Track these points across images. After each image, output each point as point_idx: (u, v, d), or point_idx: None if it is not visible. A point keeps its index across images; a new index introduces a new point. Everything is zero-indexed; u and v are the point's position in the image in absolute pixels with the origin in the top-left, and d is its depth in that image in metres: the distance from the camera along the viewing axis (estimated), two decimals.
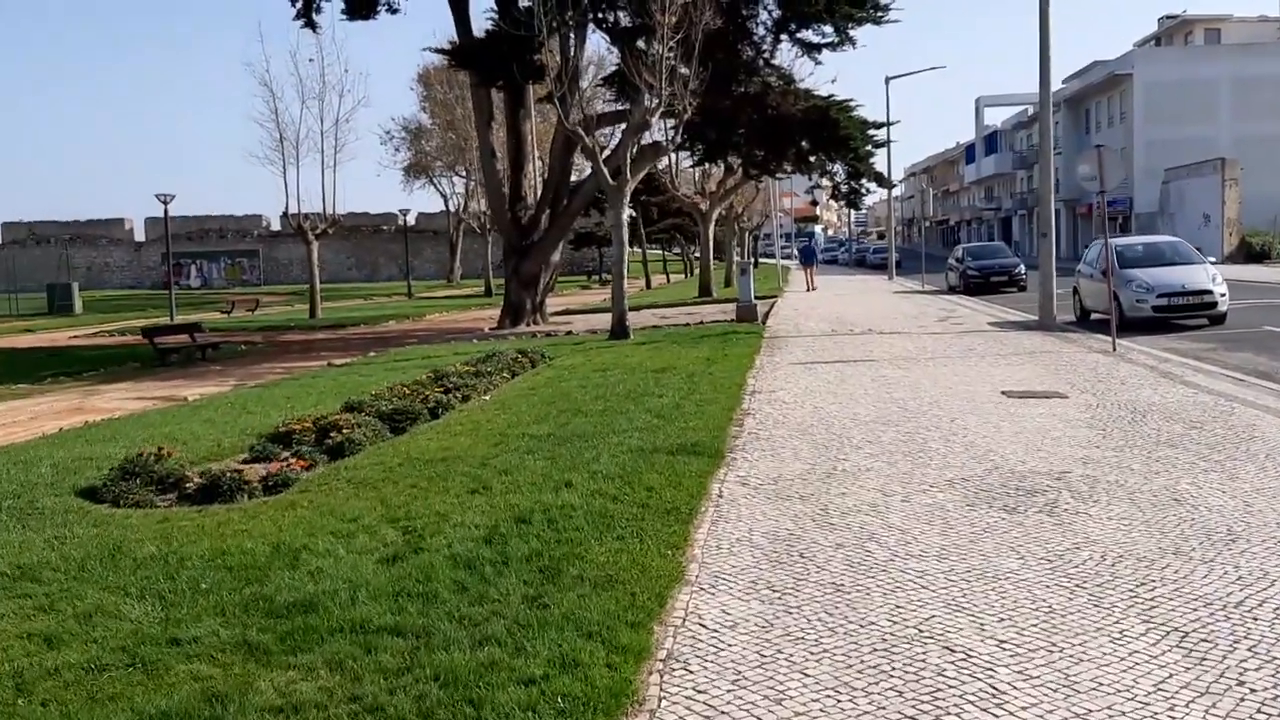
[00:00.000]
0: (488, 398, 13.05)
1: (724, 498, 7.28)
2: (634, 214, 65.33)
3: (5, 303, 51.33)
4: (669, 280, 67.67)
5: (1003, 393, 12.05)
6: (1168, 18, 67.33)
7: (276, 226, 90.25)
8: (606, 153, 28.80)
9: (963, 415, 10.54)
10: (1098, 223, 63.94)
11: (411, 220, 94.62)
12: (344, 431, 10.22)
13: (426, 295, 58.98)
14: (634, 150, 20.37)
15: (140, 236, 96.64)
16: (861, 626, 4.87)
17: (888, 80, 49.60)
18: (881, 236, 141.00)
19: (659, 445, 8.75)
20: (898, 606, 5.13)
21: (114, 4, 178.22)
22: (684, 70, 21.76)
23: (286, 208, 37.36)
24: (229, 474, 8.29)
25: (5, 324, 40.03)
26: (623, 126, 24.88)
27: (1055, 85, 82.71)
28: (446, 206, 71.69)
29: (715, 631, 4.81)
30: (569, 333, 23.98)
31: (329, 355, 23.32)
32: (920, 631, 4.81)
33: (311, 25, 30.68)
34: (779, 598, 5.28)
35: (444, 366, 15.45)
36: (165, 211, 40.02)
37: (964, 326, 21.63)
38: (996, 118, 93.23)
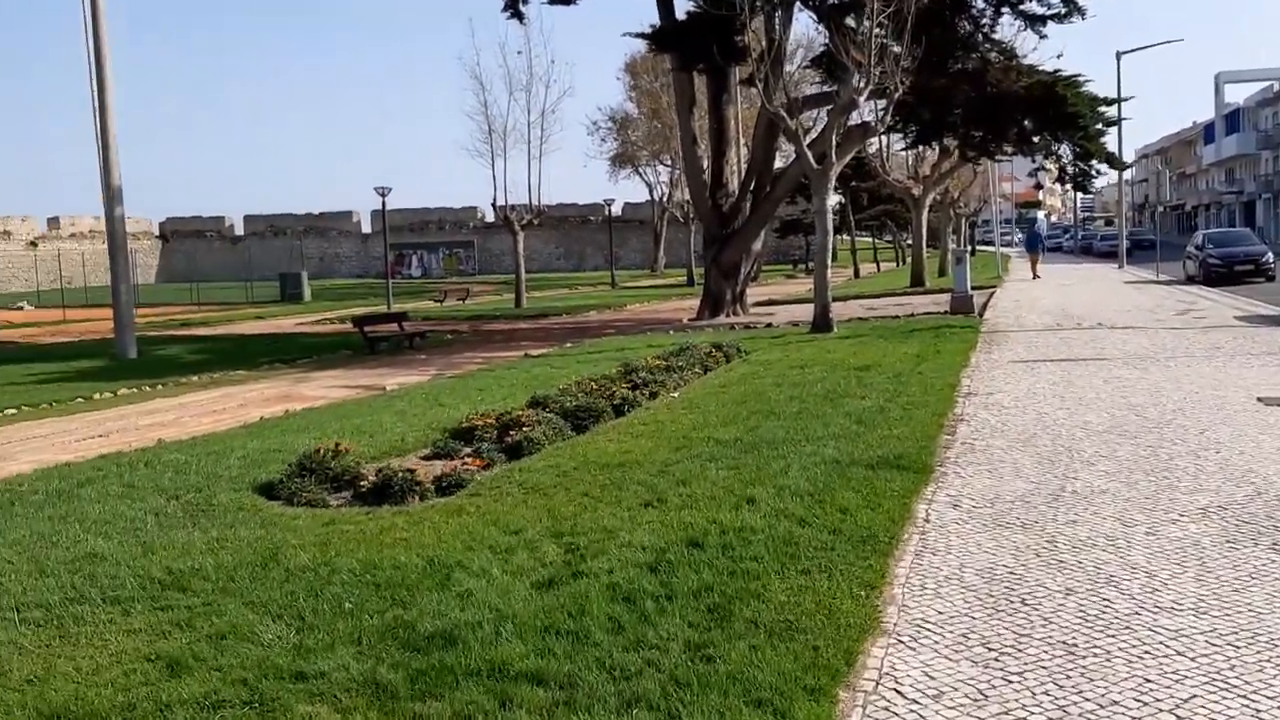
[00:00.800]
0: (676, 395, 12.41)
1: (931, 523, 6.35)
2: (841, 201, 63.63)
3: (242, 291, 54.66)
4: (879, 269, 65.52)
5: (1259, 399, 10.47)
6: None
7: (490, 218, 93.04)
8: (812, 136, 27.78)
9: (1213, 426, 9.14)
10: None
11: (618, 210, 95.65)
12: (524, 429, 9.81)
13: (630, 285, 59.22)
14: (840, 132, 19.27)
15: (366, 229, 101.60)
16: (1101, 707, 3.92)
17: (1119, 55, 46.12)
18: (1109, 223, 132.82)
19: (857, 457, 7.86)
20: (1147, 680, 4.14)
21: (346, 12, 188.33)
22: (895, 48, 20.50)
23: (495, 199, 38.02)
24: (402, 473, 7.94)
25: (239, 311, 42.50)
26: (829, 110, 23.77)
27: None
28: (651, 196, 71.72)
29: (915, 703, 3.96)
30: (768, 325, 23.13)
31: (528, 345, 23.30)
32: None
33: (519, 16, 30.91)
34: (996, 659, 4.36)
35: (635, 360, 14.94)
36: (383, 204, 41.47)
37: (1207, 321, 19.49)
38: (1238, 95, 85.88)
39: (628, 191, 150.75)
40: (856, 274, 58.22)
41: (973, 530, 6.20)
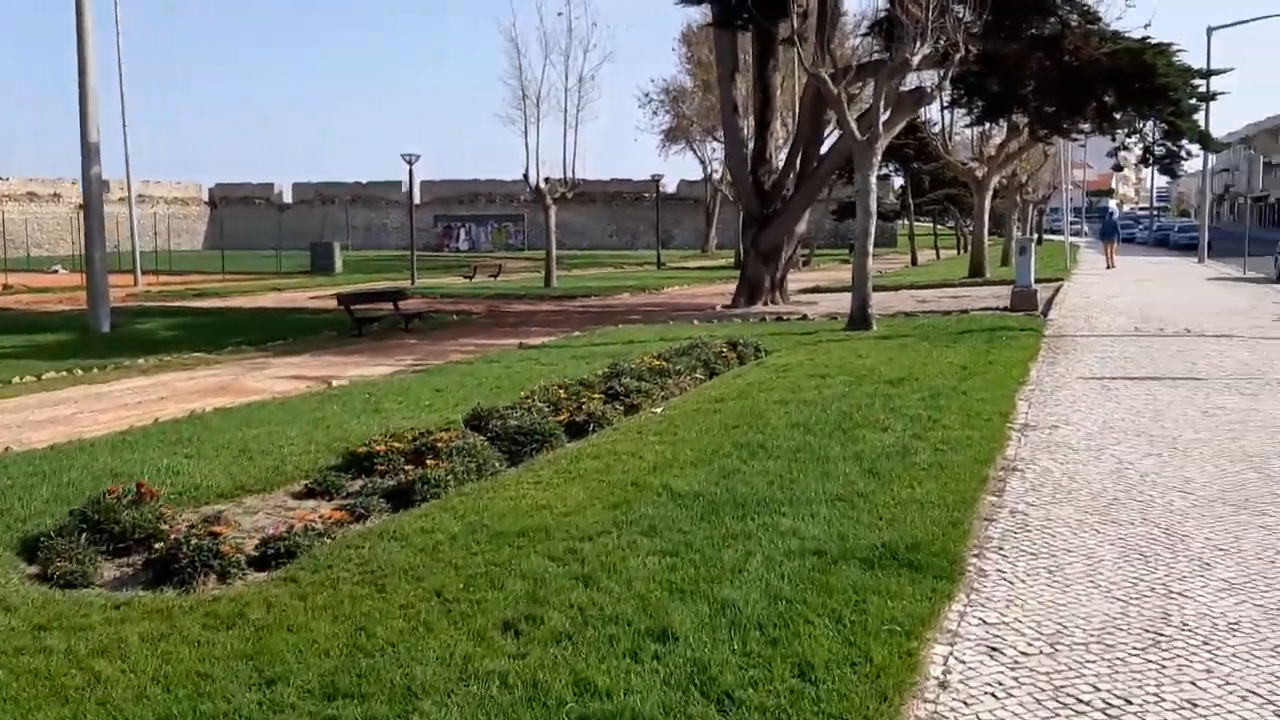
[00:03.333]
0: (659, 410, 9.97)
1: (950, 689, 3.86)
2: (899, 184, 60.39)
3: (272, 261, 52.99)
4: (938, 256, 62.16)
5: None
6: None
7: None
8: (863, 108, 24.98)
9: None
10: None
11: (672, 187, 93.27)
12: (435, 461, 7.46)
13: (678, 265, 56.62)
14: (890, 100, 16.56)
15: (416, 199, 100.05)
16: None
17: (1210, 31, 42.39)
18: (1184, 214, 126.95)
19: (853, 542, 5.36)
20: None
21: None
22: (958, 7, 17.76)
23: (526, 170, 35.64)
24: (202, 539, 5.61)
25: (262, 282, 40.65)
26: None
27: None
28: (704, 173, 68.90)
29: None
30: (804, 317, 20.51)
31: (536, 331, 21.03)
32: None
33: None
34: None
35: (632, 359, 12.54)
36: (410, 173, 39.46)
37: None
38: None
39: (681, 169, 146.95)
40: (914, 261, 55.05)
41: (1022, 707, 3.70)
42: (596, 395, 10.20)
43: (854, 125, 16.94)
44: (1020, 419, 9.15)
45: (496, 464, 7.77)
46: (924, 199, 61.31)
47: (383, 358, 16.63)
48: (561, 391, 10.26)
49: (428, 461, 7.58)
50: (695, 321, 20.54)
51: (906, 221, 59.54)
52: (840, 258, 62.13)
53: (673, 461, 7.49)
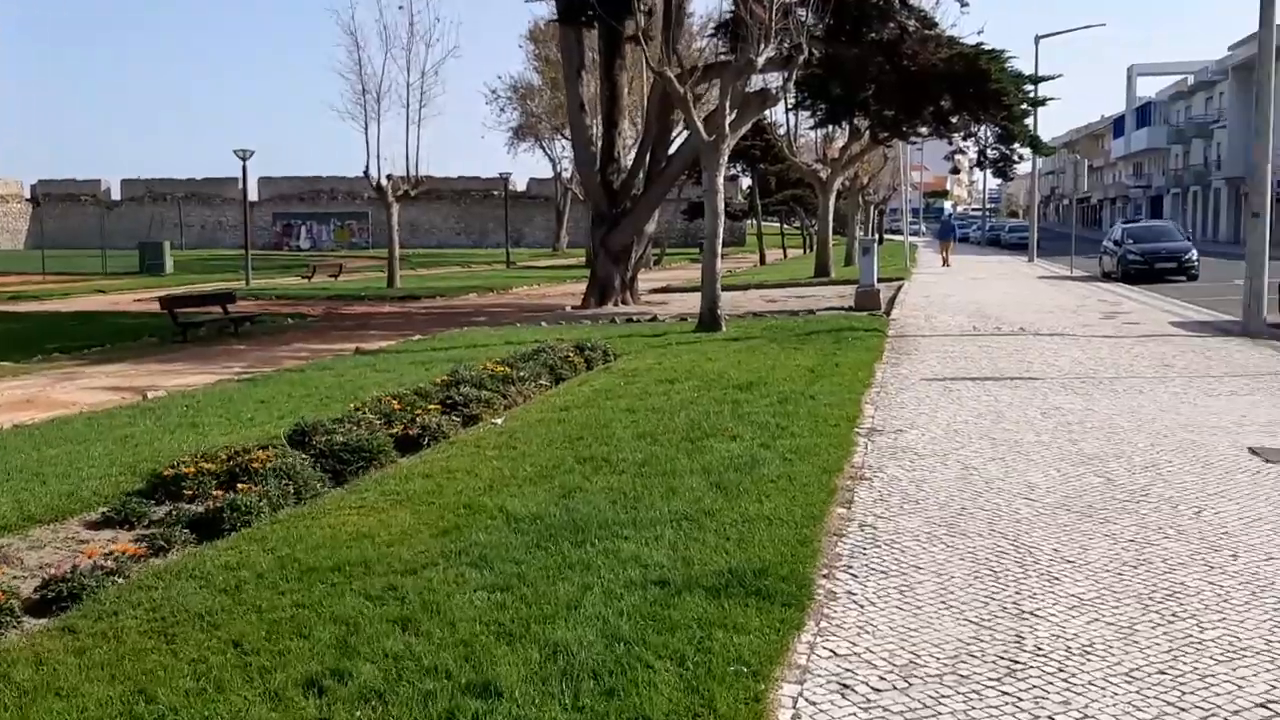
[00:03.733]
0: (499, 421, 9.51)
1: None
2: (747, 184, 61.20)
3: (97, 260, 50.03)
4: (785, 256, 63.26)
5: (1252, 450, 7.96)
6: None
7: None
8: (710, 109, 24.97)
9: (1211, 502, 6.55)
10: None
11: (522, 186, 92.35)
12: (239, 489, 6.80)
13: (528, 265, 55.99)
14: (735, 99, 16.45)
15: (254, 196, 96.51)
16: None
17: (1037, 39, 44.33)
18: (1013, 215, 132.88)
19: (697, 571, 5.01)
20: None
21: None
22: (800, 10, 17.80)
23: (367, 167, 34.44)
24: None
25: (79, 283, 38.17)
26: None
27: (1220, 53, 74.77)
28: (554, 171, 68.38)
29: None
30: (654, 318, 20.31)
31: (378, 334, 20.24)
32: None
33: None
34: None
35: (473, 364, 12.01)
36: (243, 169, 37.76)
37: (1141, 328, 17.23)
38: (1149, 89, 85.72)
39: (532, 167, 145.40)
40: (762, 260, 55.88)
41: None
42: (433, 406, 9.67)
43: (700, 125, 16.77)
44: (867, 423, 9.04)
45: (318, 486, 7.18)
46: (771, 199, 62.36)
47: (208, 365, 15.62)
48: (395, 402, 9.67)
49: (239, 485, 6.94)
50: (543, 323, 20.09)
51: (755, 221, 60.39)
52: (691, 257, 62.52)
53: (510, 479, 7.05)
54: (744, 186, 66.06)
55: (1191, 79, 74.84)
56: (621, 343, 15.65)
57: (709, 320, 16.73)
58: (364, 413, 9.19)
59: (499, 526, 5.86)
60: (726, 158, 16.81)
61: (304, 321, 23.76)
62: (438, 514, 6.17)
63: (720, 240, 16.84)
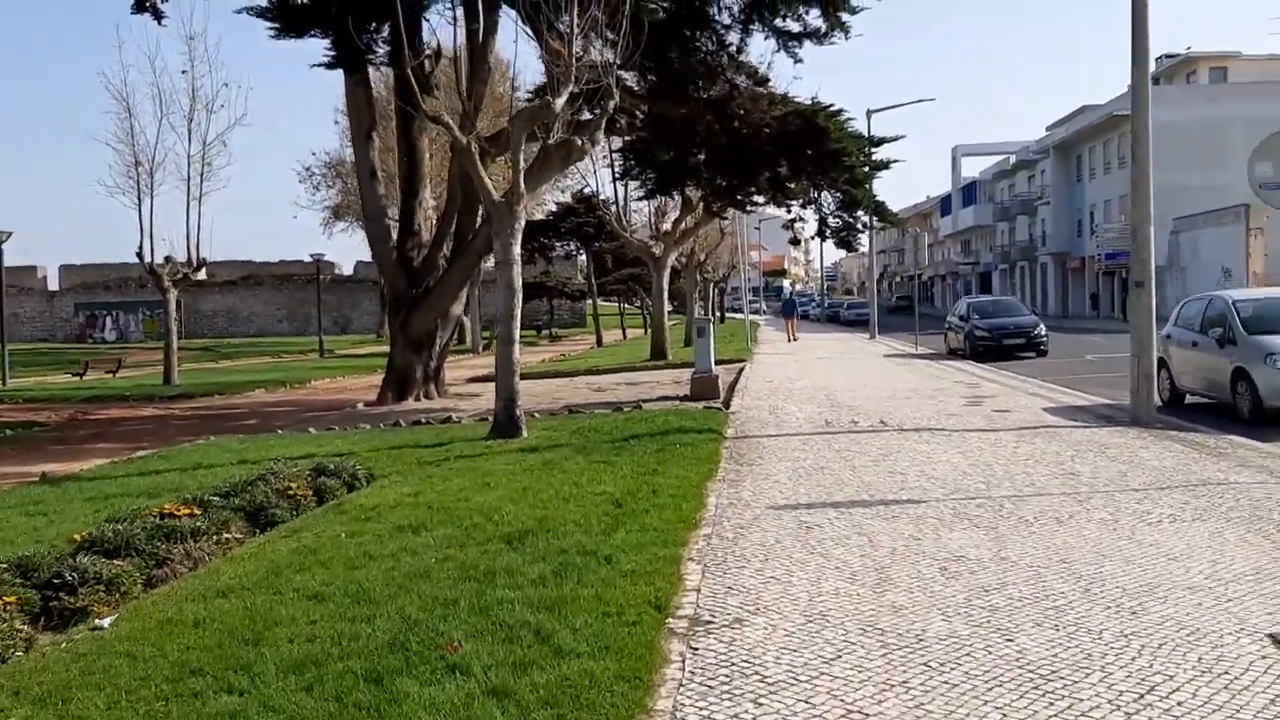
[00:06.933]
0: (107, 624, 5.93)
1: None
2: (584, 266, 58.52)
3: None
4: (625, 336, 60.68)
5: (1276, 641, 5.09)
6: (1168, 56, 61.78)
7: (201, 275, 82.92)
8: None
9: None
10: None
11: (348, 269, 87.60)
12: None
13: (348, 353, 51.68)
14: (523, 146, 13.33)
15: (54, 285, 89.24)
16: None
17: (869, 113, 43.26)
18: (848, 293, 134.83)
19: None
20: None
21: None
22: (608, 52, 15.00)
23: (140, 248, 30.07)
24: None
25: None
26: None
27: (1038, 133, 76.99)
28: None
29: None
30: (448, 418, 16.83)
31: (109, 446, 16.31)
32: None
33: (156, 14, 23.57)
34: None
35: (158, 503, 8.42)
36: None
37: (1014, 417, 14.74)
38: (974, 168, 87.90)
39: (355, 248, 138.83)
40: (599, 342, 53.10)
41: None
42: (29, 593, 6.07)
43: (489, 183, 13.60)
44: (687, 607, 5.80)
45: None
46: (608, 278, 59.89)
47: None
48: None
49: None
50: (311, 430, 16.35)
51: (592, 301, 57.73)
52: (525, 339, 59.33)
53: None
54: (583, 265, 63.54)
55: (1013, 158, 76.62)
56: (389, 457, 12.18)
57: (504, 424, 13.38)
58: None
59: None
60: (523, 222, 13.65)
61: (29, 431, 19.34)
62: None
63: (517, 323, 13.59)
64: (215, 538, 7.99)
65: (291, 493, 9.37)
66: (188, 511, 8.46)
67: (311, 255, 50.93)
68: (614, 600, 5.68)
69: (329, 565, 6.85)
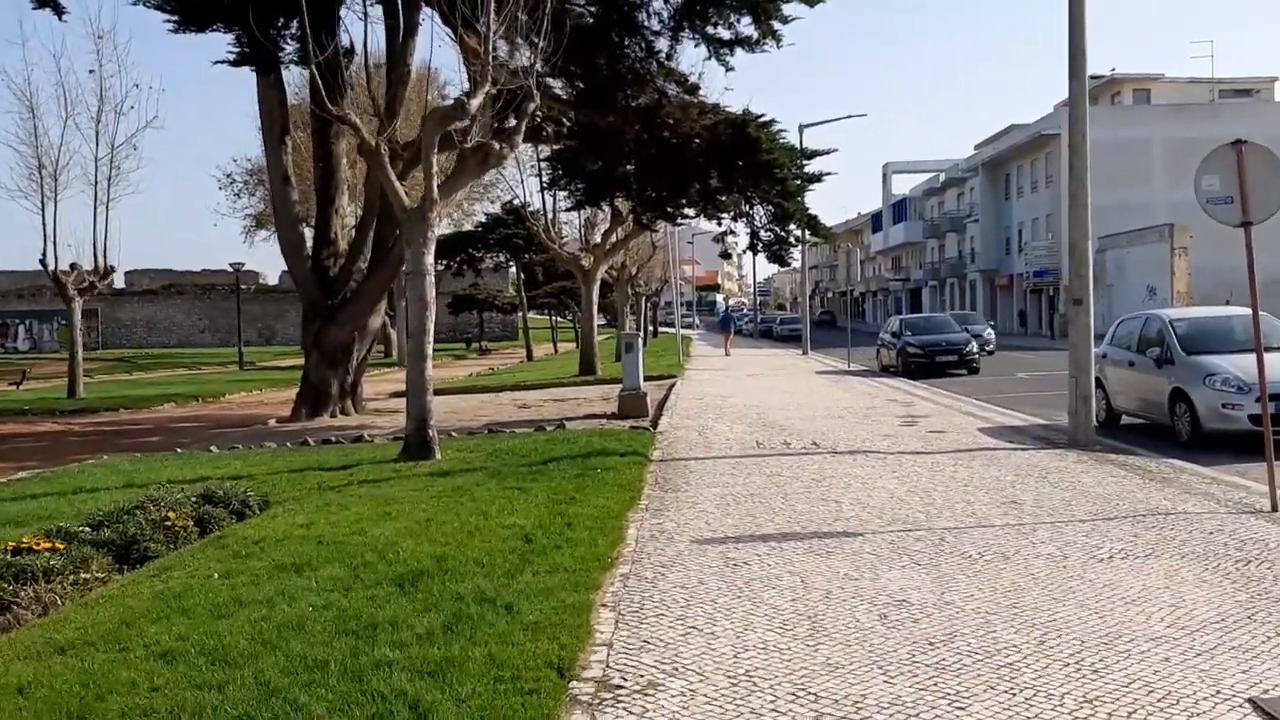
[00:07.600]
0: None
1: None
2: (515, 278, 57.52)
3: None
4: (556, 350, 59.84)
5: (1255, 706, 4.50)
6: (1093, 77, 62.64)
7: (120, 284, 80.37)
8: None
9: None
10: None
11: (274, 278, 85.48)
12: None
13: (271, 365, 50.10)
14: (436, 150, 12.54)
15: None
16: None
17: (802, 128, 43.00)
18: (780, 308, 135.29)
19: None
20: None
21: None
22: (526, 51, 14.28)
23: (44, 255, 28.58)
24: None
25: None
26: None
27: (967, 151, 77.34)
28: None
29: None
30: (359, 438, 15.91)
31: None
32: None
33: (56, 9, 22.30)
34: None
35: (20, 537, 7.48)
36: None
37: (949, 438, 14.27)
38: (904, 185, 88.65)
39: (282, 259, 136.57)
40: (529, 356, 52.18)
41: None
42: None
43: (400, 188, 12.78)
44: (595, 667, 5.07)
45: None
46: (539, 291, 58.92)
47: None
48: None
49: None
50: (214, 449, 15.32)
51: (523, 314, 56.78)
52: (455, 353, 58.17)
53: None
54: (514, 277, 62.55)
55: (943, 176, 77.35)
56: (288, 481, 11.29)
57: (416, 446, 12.54)
58: None
59: None
60: (436, 231, 12.85)
61: None
62: None
63: (429, 338, 12.75)
64: (73, 578, 7.11)
65: (170, 524, 8.48)
66: (48, 546, 7.58)
67: (231, 265, 49.20)
68: (509, 662, 4.93)
69: (191, 614, 6.01)
